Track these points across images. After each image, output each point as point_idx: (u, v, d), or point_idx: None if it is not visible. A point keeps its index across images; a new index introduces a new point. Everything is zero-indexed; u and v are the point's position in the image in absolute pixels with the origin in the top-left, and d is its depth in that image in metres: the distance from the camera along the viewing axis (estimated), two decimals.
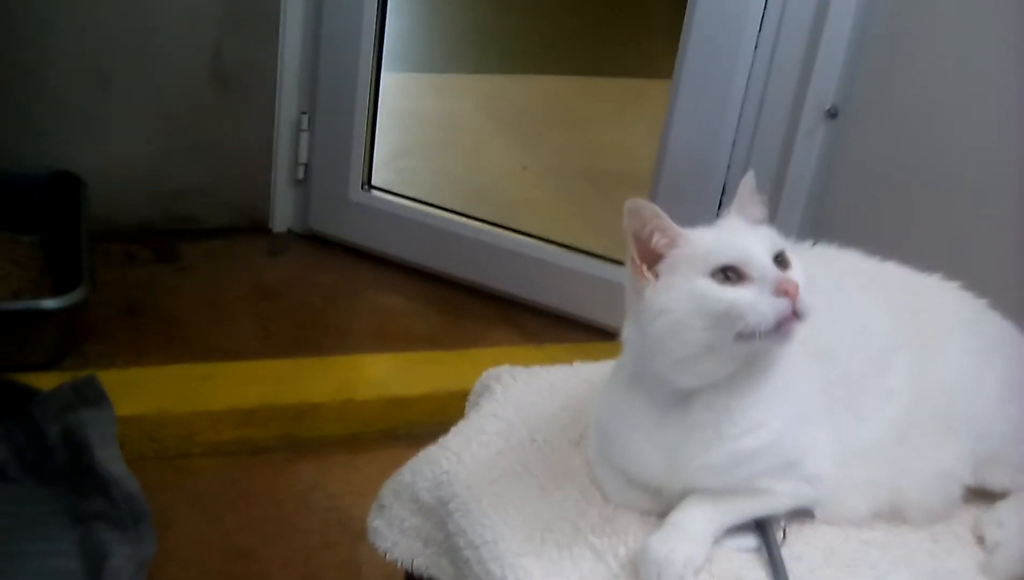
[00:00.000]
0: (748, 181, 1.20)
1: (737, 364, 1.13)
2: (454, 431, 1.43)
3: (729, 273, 1.10)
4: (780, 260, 1.13)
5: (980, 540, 1.27)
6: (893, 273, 1.39)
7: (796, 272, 1.12)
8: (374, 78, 2.65)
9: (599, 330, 2.51)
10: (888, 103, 2.15)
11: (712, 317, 1.10)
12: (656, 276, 1.15)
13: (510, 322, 2.58)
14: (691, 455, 1.18)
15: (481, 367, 1.61)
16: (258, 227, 2.80)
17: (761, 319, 1.08)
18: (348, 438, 2.26)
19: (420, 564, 1.37)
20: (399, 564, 1.39)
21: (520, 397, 1.45)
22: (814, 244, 1.37)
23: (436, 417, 2.19)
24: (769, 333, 1.08)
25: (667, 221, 1.14)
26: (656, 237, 1.15)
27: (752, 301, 1.09)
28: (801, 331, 1.14)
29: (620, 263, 2.39)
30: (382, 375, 2.36)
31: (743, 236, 1.14)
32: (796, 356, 1.19)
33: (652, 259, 1.15)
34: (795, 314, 1.08)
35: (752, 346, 1.10)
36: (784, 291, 1.08)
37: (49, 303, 2.20)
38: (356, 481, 2.15)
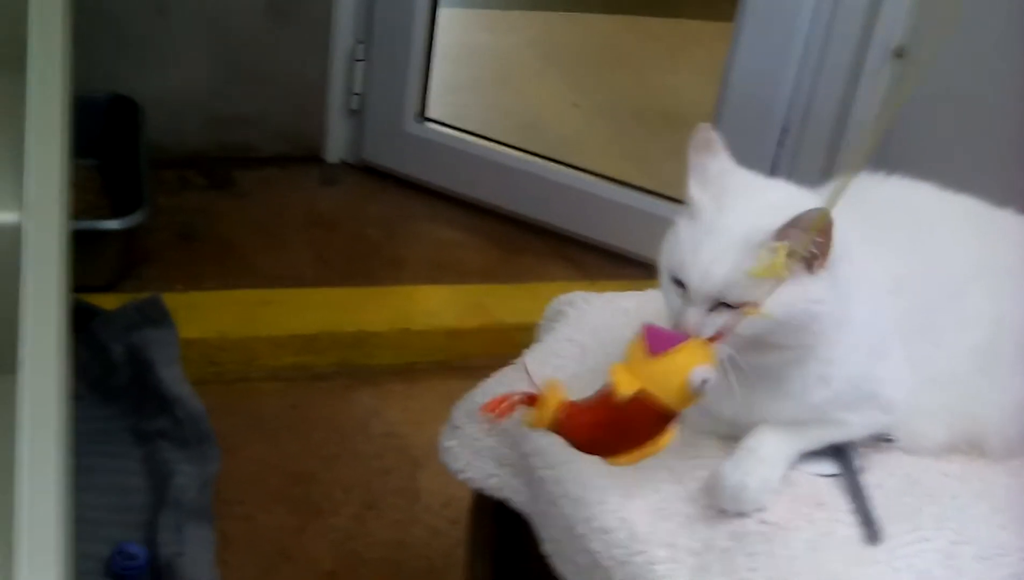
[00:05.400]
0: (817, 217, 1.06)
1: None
2: (528, 354, 1.43)
3: None
4: (725, 305, 1.09)
5: None
6: (967, 205, 1.37)
7: (714, 325, 1.09)
8: (431, 8, 2.63)
9: (654, 267, 2.50)
10: (957, 43, 2.12)
11: None
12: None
13: (565, 257, 2.58)
14: (756, 401, 1.18)
15: (536, 301, 1.62)
16: (311, 157, 2.80)
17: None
18: (404, 367, 2.27)
19: (493, 485, 1.38)
20: (472, 485, 1.40)
21: (595, 322, 1.45)
22: (888, 175, 1.37)
23: (491, 350, 2.21)
24: None
25: (693, 193, 1.14)
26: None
27: (671, 310, 1.13)
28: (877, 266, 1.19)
29: (675, 201, 2.39)
30: (438, 307, 2.37)
31: (701, 261, 1.10)
32: (869, 294, 1.19)
33: None
34: None
35: None
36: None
37: (110, 224, 2.21)
38: (413, 409, 2.17)
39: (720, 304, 1.09)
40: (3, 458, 1.18)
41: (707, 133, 1.18)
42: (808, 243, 1.06)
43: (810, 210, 1.05)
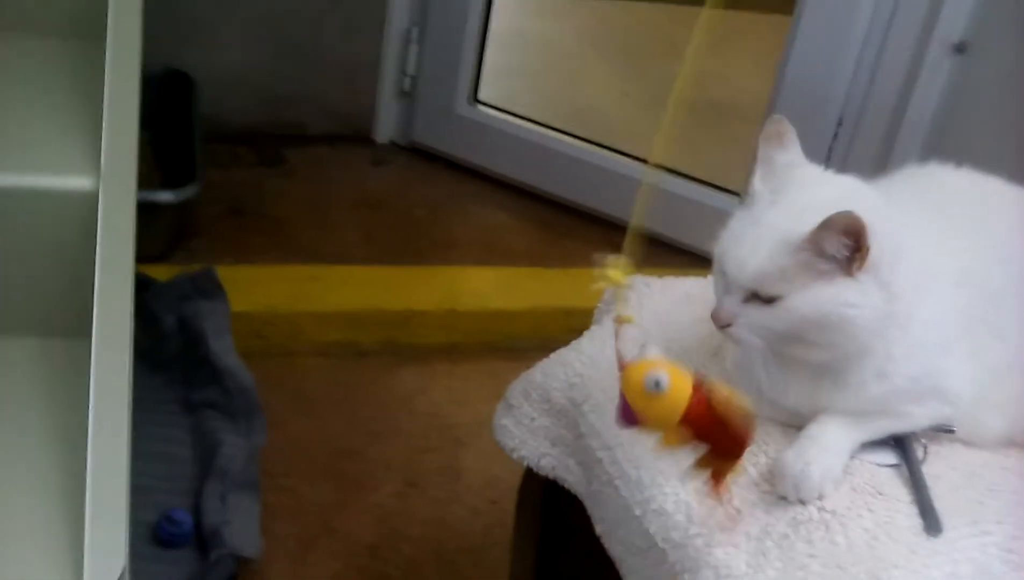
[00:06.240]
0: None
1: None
2: (587, 335, 1.43)
3: None
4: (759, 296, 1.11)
5: None
6: None
7: (747, 315, 1.11)
8: None
9: (704, 257, 2.49)
10: (1021, 38, 2.10)
11: None
12: None
13: (612, 244, 2.55)
14: (817, 391, 1.18)
15: (582, 286, 1.60)
16: (362, 137, 2.81)
17: None
18: (450, 347, 2.28)
19: (546, 464, 1.38)
20: (525, 463, 1.40)
21: (655, 306, 1.44)
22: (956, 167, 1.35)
23: (537, 333, 2.22)
24: None
25: (755, 183, 1.15)
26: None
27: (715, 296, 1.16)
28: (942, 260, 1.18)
29: (726, 191, 2.38)
30: (484, 288, 2.37)
31: (740, 251, 1.12)
32: (934, 289, 1.18)
33: None
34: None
35: None
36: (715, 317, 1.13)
37: (163, 196, 2.22)
38: (457, 389, 2.17)
39: (755, 296, 1.10)
40: (74, 422, 1.20)
41: (780, 125, 1.17)
42: (840, 246, 1.06)
43: (840, 213, 1.05)
